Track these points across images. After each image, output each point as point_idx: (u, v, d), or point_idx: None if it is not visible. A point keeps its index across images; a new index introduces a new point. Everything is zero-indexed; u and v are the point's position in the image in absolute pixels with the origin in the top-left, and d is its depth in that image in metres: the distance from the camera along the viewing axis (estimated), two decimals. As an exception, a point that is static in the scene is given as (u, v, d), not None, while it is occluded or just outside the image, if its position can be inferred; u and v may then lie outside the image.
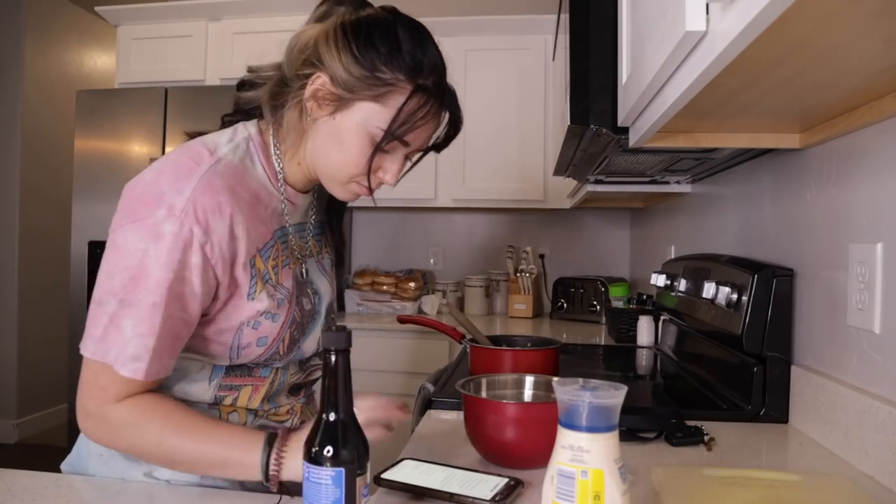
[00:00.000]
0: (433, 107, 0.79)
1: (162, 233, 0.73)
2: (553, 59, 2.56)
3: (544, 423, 0.75)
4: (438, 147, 0.87)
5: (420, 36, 0.79)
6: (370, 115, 0.77)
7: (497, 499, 0.69)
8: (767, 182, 1.24)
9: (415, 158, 0.87)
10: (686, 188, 1.82)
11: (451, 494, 0.70)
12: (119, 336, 0.74)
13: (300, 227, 0.92)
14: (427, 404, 1.16)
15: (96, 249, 2.60)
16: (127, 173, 2.58)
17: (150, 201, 0.75)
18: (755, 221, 1.31)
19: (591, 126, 1.03)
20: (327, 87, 0.77)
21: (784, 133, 1.04)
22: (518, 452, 0.82)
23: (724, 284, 1.15)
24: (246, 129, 0.85)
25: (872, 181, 0.87)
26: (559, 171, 1.77)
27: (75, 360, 3.12)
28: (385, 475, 0.76)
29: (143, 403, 0.77)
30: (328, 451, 0.58)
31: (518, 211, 3.06)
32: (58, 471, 0.87)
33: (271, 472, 0.74)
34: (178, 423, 0.77)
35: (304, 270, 0.91)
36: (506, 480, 0.74)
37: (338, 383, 0.59)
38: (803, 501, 0.70)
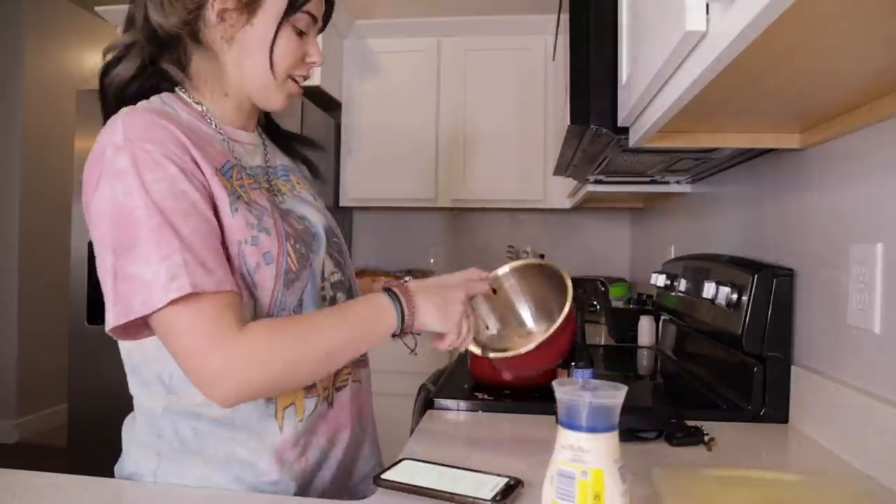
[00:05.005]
0: None
1: (120, 169, 0.71)
2: (553, 59, 2.56)
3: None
4: (324, 26, 0.95)
5: None
6: (282, 1, 0.83)
7: (497, 499, 0.69)
8: (767, 182, 1.24)
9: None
10: (686, 188, 1.82)
11: (452, 494, 0.71)
12: (133, 283, 0.69)
13: (263, 169, 0.92)
14: (427, 404, 1.16)
15: (96, 249, 2.59)
16: (127, 173, 2.59)
17: (96, 160, 0.74)
18: (755, 221, 1.31)
19: (591, 126, 1.04)
20: (230, 3, 0.81)
21: (784, 133, 1.04)
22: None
23: (724, 284, 1.15)
24: (152, 98, 0.85)
25: (872, 181, 0.87)
26: (559, 171, 1.78)
27: (75, 360, 3.10)
28: (385, 475, 0.76)
29: (260, 323, 0.75)
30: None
31: (518, 211, 3.06)
32: (57, 470, 0.87)
33: (406, 324, 0.84)
34: (304, 321, 0.79)
35: (279, 201, 0.90)
36: (506, 480, 0.74)
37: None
38: (803, 501, 0.70)
